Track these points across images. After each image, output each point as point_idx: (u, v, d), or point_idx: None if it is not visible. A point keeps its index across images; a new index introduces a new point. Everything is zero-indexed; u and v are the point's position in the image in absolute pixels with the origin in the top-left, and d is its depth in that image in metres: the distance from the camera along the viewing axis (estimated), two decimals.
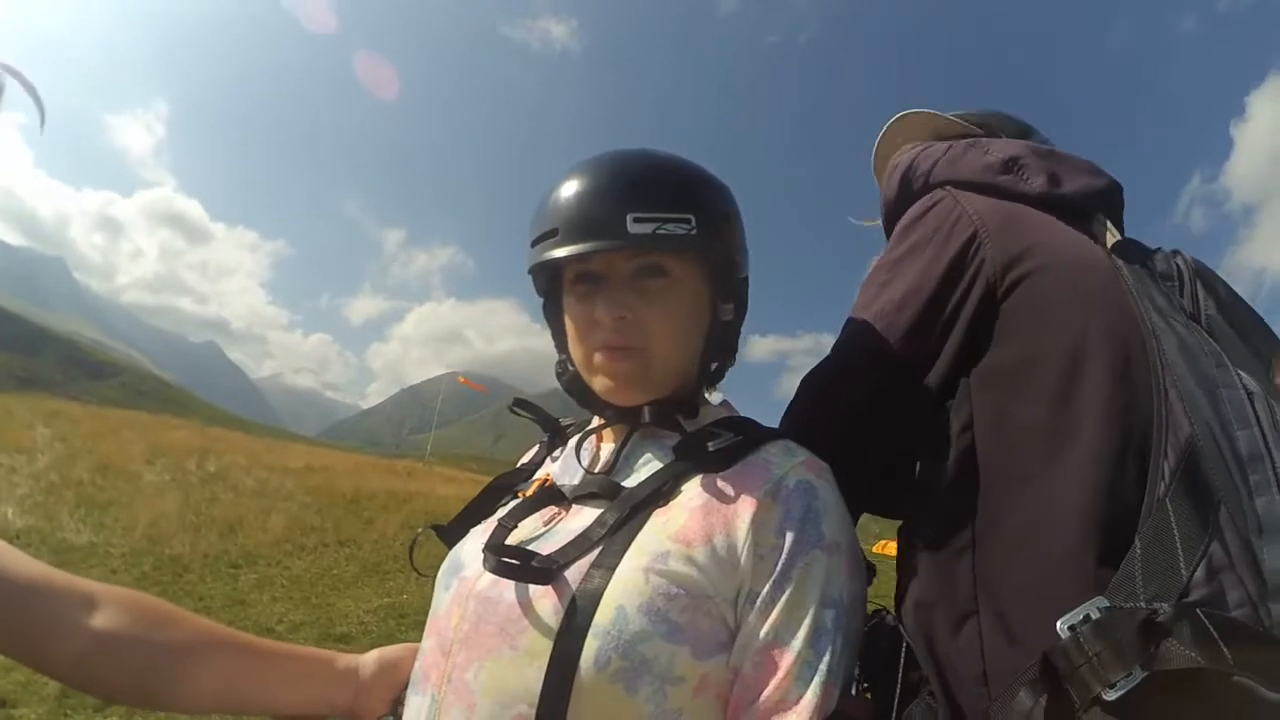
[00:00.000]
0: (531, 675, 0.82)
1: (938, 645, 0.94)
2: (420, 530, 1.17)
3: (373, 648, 1.13)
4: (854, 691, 0.87)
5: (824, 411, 1.20)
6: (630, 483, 1.00)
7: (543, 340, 1.13)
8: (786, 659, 0.84)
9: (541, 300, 1.16)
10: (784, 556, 0.88)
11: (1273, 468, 0.84)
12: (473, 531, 1.08)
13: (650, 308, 1.00)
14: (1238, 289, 1.07)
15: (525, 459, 1.26)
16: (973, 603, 0.93)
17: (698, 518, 0.91)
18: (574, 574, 0.88)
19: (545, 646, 0.83)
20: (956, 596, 0.94)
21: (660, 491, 0.96)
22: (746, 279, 1.11)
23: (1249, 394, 0.90)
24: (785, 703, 0.82)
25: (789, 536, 0.89)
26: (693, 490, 0.95)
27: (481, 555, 0.94)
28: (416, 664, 0.99)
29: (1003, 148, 1.24)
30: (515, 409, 1.22)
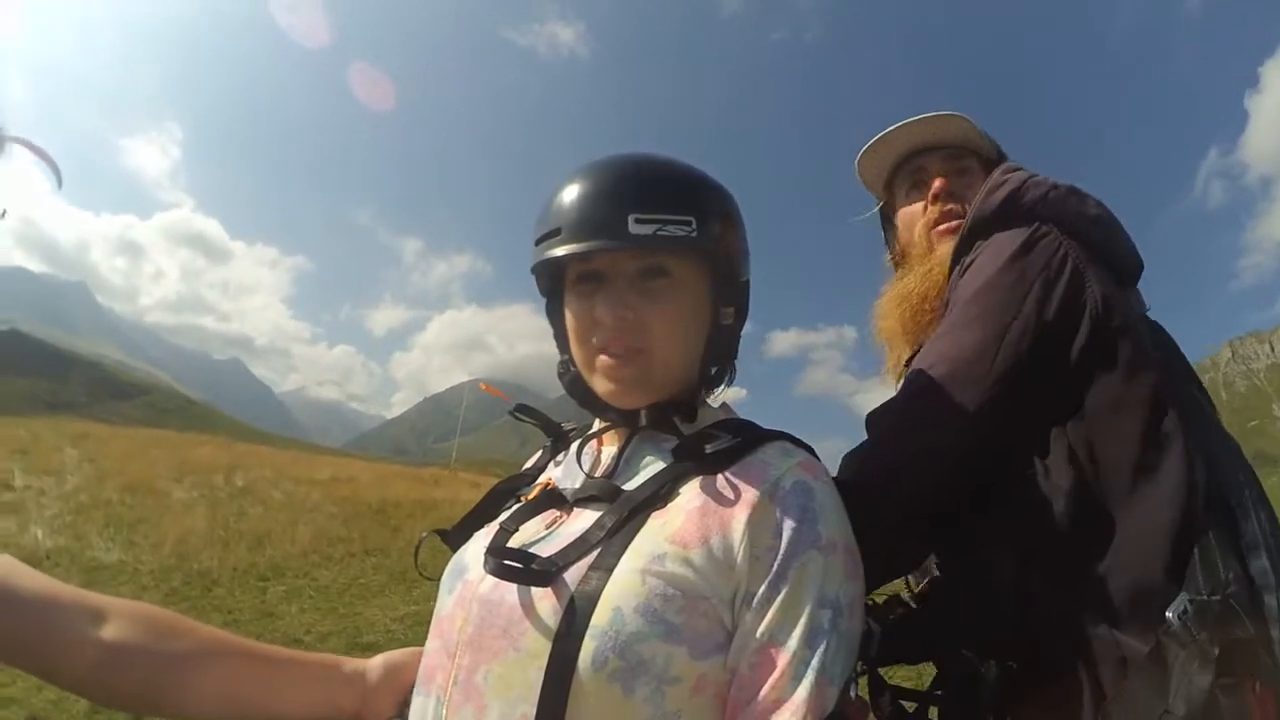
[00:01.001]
0: (533, 676, 0.84)
1: (1079, 639, 1.09)
2: (424, 535, 1.19)
3: None
4: (852, 693, 0.88)
5: (926, 450, 1.25)
6: (631, 486, 1.01)
7: None
8: (783, 658, 0.85)
9: (545, 300, 1.19)
10: (780, 557, 0.89)
11: (1250, 499, 1.11)
12: (476, 535, 1.11)
13: (652, 307, 1.01)
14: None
15: (529, 464, 1.28)
16: (1101, 602, 1.09)
17: (695, 519, 0.92)
18: (572, 576, 0.89)
19: (545, 648, 0.84)
20: (1086, 600, 1.10)
21: (658, 494, 0.97)
22: (748, 283, 1.13)
23: (1232, 445, 1.21)
24: (781, 701, 0.83)
25: (785, 537, 0.90)
26: (690, 492, 0.96)
27: (483, 558, 0.96)
28: (421, 665, 1.01)
29: (1095, 205, 1.33)
30: (517, 414, 1.24)
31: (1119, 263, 1.31)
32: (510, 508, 1.13)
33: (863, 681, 1.06)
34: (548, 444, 1.25)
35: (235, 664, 1.03)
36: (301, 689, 1.06)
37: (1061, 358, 1.19)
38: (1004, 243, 1.30)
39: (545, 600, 0.88)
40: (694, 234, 0.99)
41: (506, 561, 0.91)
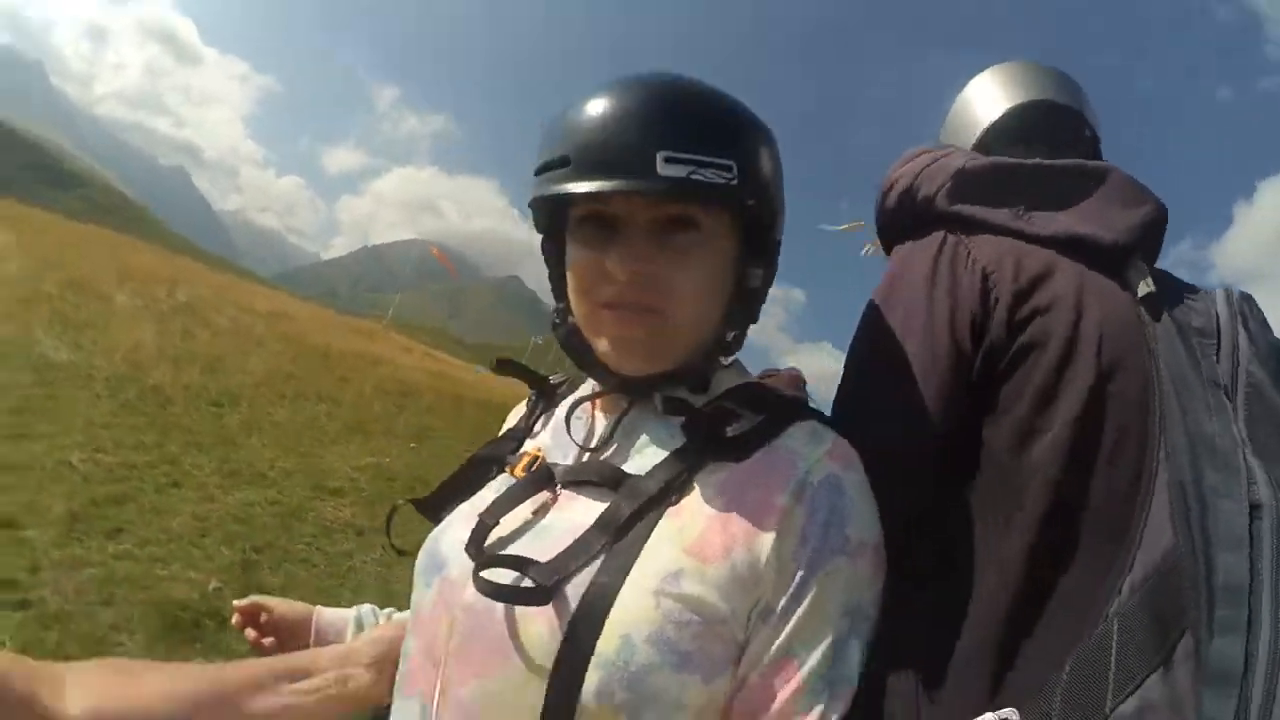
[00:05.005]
0: (531, 701, 0.74)
1: None
2: (400, 501, 1.11)
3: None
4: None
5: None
6: (631, 465, 0.88)
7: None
8: (800, 671, 0.76)
9: (541, 236, 1.00)
10: (805, 565, 0.78)
11: (1248, 604, 0.68)
12: (454, 517, 0.97)
13: (674, 264, 0.85)
14: None
15: (510, 423, 1.14)
16: (916, 695, 0.85)
17: (716, 527, 0.80)
18: (573, 590, 0.77)
19: (543, 672, 0.74)
20: (910, 682, 0.86)
21: (672, 486, 0.83)
22: (780, 242, 0.96)
23: (1253, 507, 0.73)
24: (799, 713, 0.75)
25: (811, 544, 0.79)
26: (710, 489, 0.83)
27: (464, 555, 0.85)
28: (401, 666, 0.92)
29: (1023, 179, 1.07)
30: (500, 370, 1.11)
31: (1084, 241, 1.00)
32: (494, 476, 1.00)
33: None
34: (533, 396, 1.11)
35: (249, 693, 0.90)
36: (309, 696, 0.95)
37: (969, 380, 0.96)
38: (898, 262, 1.10)
39: (542, 618, 0.76)
40: (734, 181, 0.82)
41: (496, 572, 0.80)
